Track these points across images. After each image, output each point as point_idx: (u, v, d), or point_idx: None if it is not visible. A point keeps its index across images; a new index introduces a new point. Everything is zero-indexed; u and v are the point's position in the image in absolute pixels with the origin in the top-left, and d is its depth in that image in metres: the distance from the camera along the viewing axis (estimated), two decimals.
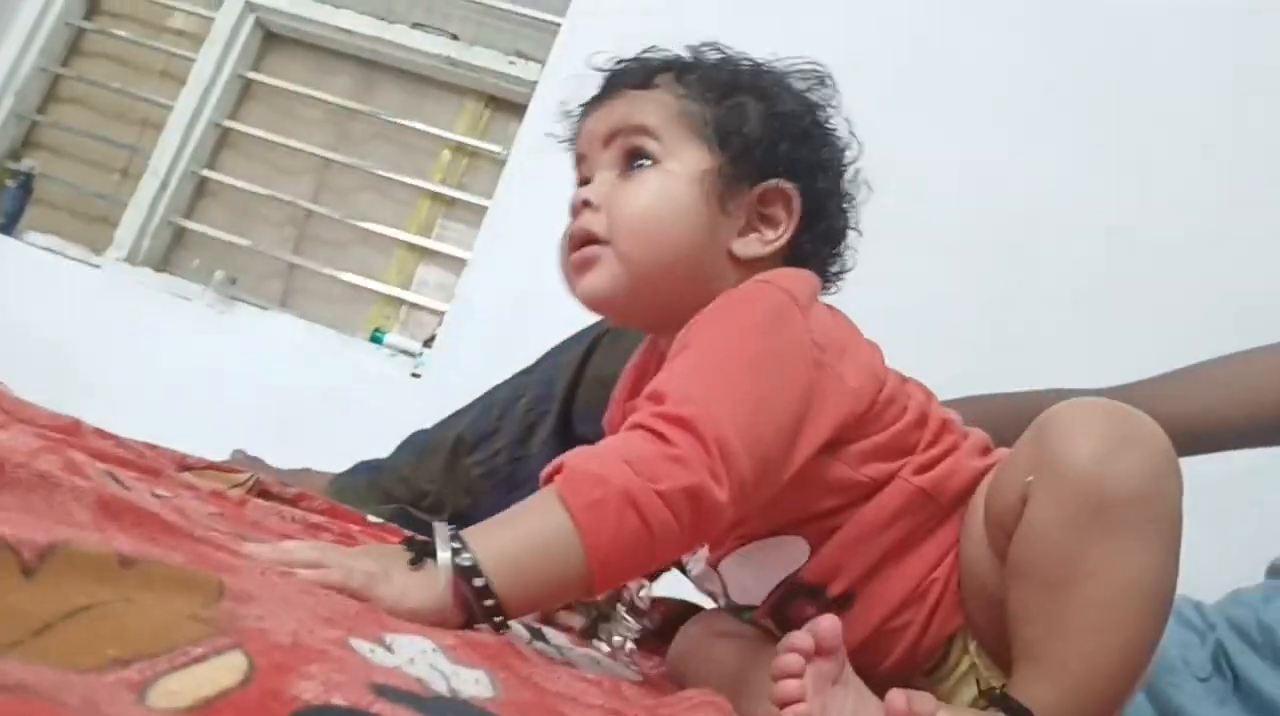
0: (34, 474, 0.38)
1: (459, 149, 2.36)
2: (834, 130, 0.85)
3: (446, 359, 2.07)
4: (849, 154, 0.85)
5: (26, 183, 2.38)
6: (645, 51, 0.86)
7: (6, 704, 0.20)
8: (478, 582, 0.58)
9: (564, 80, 2.31)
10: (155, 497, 0.61)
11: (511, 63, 2.26)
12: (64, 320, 2.18)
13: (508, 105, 2.34)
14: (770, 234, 0.80)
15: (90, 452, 0.76)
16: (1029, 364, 1.77)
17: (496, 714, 0.32)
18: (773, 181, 0.80)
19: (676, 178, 0.78)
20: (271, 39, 2.47)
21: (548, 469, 0.64)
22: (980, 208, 1.88)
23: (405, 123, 2.35)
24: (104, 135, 2.47)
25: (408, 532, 1.06)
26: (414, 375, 2.11)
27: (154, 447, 1.03)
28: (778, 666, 0.61)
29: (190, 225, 2.37)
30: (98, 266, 2.29)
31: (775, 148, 0.80)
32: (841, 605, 0.75)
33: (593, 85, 0.87)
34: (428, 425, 1.47)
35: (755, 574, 0.78)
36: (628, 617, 0.88)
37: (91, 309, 2.21)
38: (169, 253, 2.38)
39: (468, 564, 0.58)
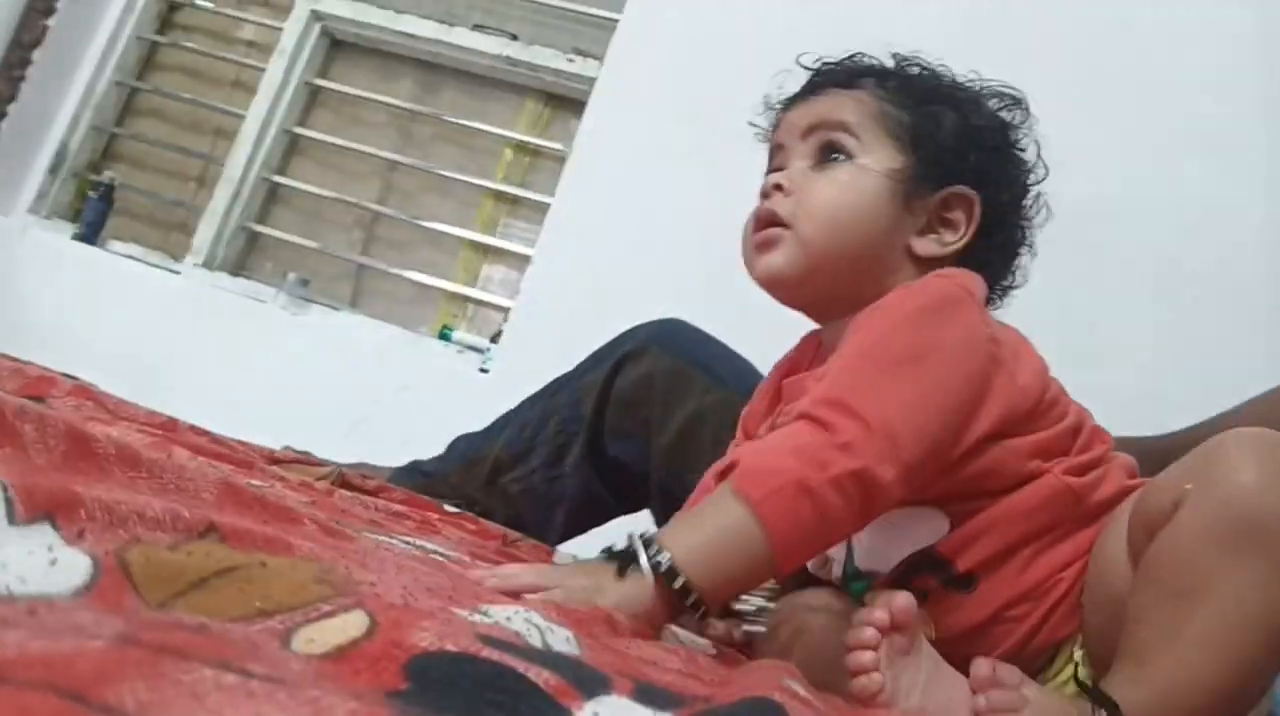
0: (161, 459, 0.43)
1: (521, 147, 2.40)
2: (1022, 150, 0.88)
3: (513, 354, 2.11)
4: (1034, 176, 0.89)
5: (107, 193, 2.47)
6: (851, 56, 0.91)
7: (192, 639, 0.24)
8: (677, 583, 0.63)
9: (623, 75, 2.31)
10: (256, 487, 0.66)
11: (570, 60, 2.30)
12: (146, 324, 2.27)
13: (568, 103, 2.38)
14: (949, 236, 0.84)
15: (188, 447, 0.81)
16: (1100, 356, 1.77)
17: (590, 661, 0.35)
18: (958, 187, 0.84)
19: (867, 172, 0.83)
20: (337, 46, 2.54)
21: (719, 466, 0.69)
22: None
23: (468, 123, 2.41)
24: (179, 145, 2.57)
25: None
26: (482, 370, 2.16)
27: (244, 443, 1.09)
28: (853, 638, 0.63)
29: (263, 230, 2.44)
30: (177, 272, 2.38)
31: (964, 156, 0.84)
32: (965, 584, 0.77)
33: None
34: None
35: (891, 540, 0.79)
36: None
37: (172, 313, 2.30)
38: (244, 257, 2.46)
39: (665, 568, 0.64)
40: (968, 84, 0.89)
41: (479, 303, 2.36)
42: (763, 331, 1.95)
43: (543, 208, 2.24)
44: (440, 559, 0.68)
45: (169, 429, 0.91)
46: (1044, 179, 0.89)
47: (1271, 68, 1.82)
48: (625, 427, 1.29)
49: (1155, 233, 1.81)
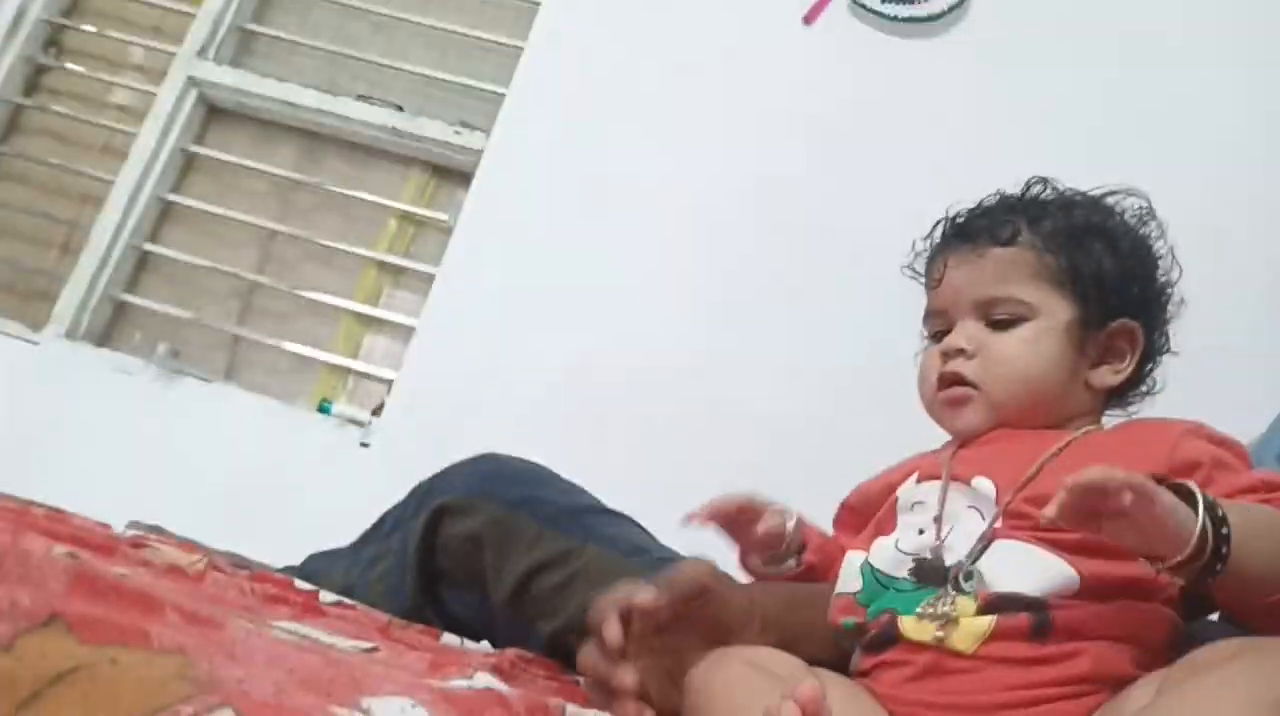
0: (3, 544, 0.39)
1: (405, 218, 2.37)
2: (1162, 261, 0.95)
3: (395, 427, 2.06)
4: (1172, 281, 0.95)
5: None
6: (991, 199, 0.97)
7: None
8: (1225, 531, 0.68)
9: (510, 148, 2.31)
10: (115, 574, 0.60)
11: (456, 132, 2.29)
12: (2, 399, 2.14)
13: (453, 174, 2.36)
14: (1120, 365, 0.91)
15: (42, 532, 0.75)
16: None
17: None
18: (1124, 321, 0.91)
19: (1045, 332, 0.90)
20: (215, 112, 2.47)
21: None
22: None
23: (350, 193, 2.36)
24: (43, 211, 2.45)
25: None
26: (363, 445, 2.09)
27: (105, 526, 1.02)
28: None
29: (132, 299, 2.34)
30: (36, 343, 2.24)
31: (1125, 290, 0.91)
32: (1041, 634, 0.76)
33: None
34: (378, 495, 1.44)
35: (1023, 573, 0.78)
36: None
37: (30, 387, 2.17)
38: (110, 328, 2.35)
39: (1218, 517, 0.68)
40: (1104, 204, 0.95)
41: (360, 374, 2.29)
42: (652, 400, 1.95)
43: (427, 278, 2.20)
44: (320, 645, 0.63)
45: (21, 514, 0.84)
46: (1178, 279, 0.95)
47: None
48: (459, 580, 1.24)
49: None
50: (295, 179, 2.39)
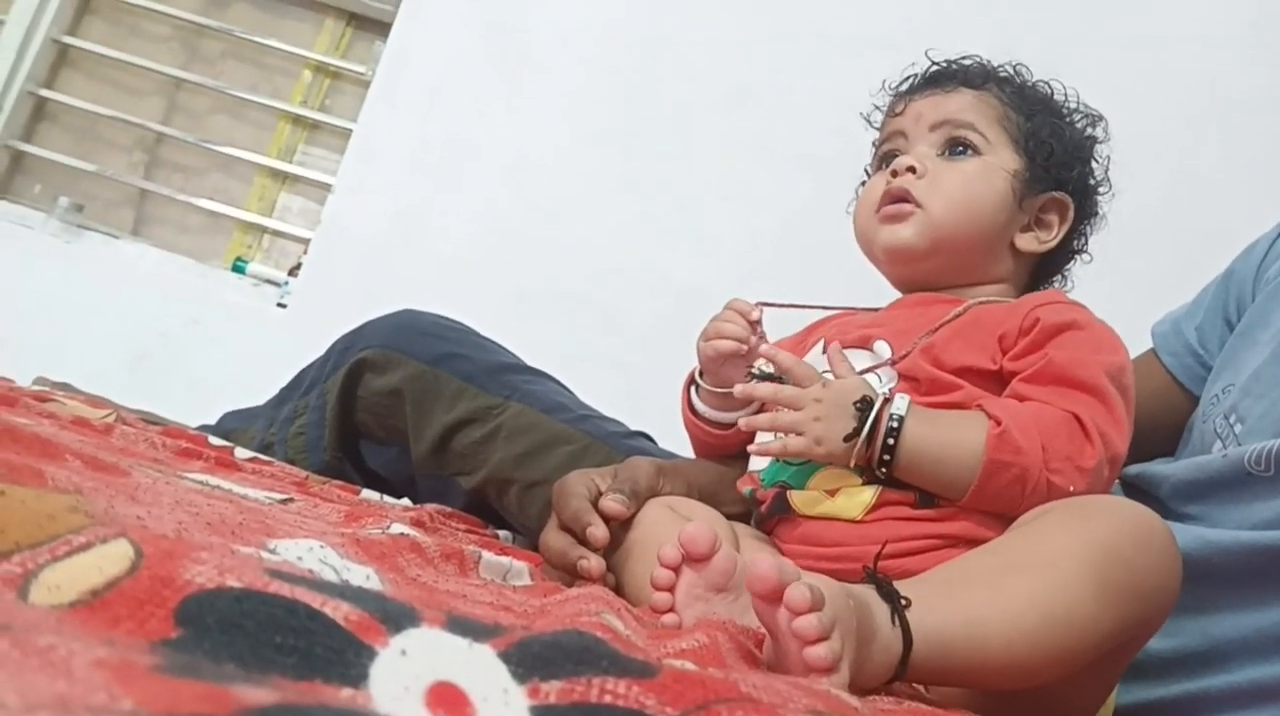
0: None
1: (320, 69, 2.27)
2: (1099, 164, 0.99)
3: (313, 287, 2.01)
4: (1105, 190, 1.00)
5: None
6: (967, 57, 0.99)
7: None
8: (887, 449, 0.77)
9: None
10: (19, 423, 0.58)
11: None
12: None
13: (370, 23, 2.26)
14: (1044, 236, 0.95)
15: None
16: None
17: (393, 595, 0.32)
18: (1059, 193, 0.95)
19: (993, 170, 0.92)
20: None
21: (985, 406, 0.79)
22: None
23: (261, 40, 2.25)
24: None
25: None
26: (280, 305, 2.05)
27: (6, 380, 0.99)
28: (652, 578, 0.63)
29: (29, 149, 2.22)
30: None
31: (1070, 166, 0.95)
32: (929, 502, 0.80)
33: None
34: (295, 357, 1.42)
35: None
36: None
37: None
38: (7, 179, 2.24)
39: (892, 444, 0.77)
40: (1064, 99, 0.99)
41: (276, 233, 2.23)
42: (570, 256, 1.93)
43: (344, 133, 2.13)
44: (232, 495, 0.62)
45: None
46: (1111, 195, 1.00)
47: None
48: (378, 434, 1.23)
49: None
50: (201, 24, 2.27)
